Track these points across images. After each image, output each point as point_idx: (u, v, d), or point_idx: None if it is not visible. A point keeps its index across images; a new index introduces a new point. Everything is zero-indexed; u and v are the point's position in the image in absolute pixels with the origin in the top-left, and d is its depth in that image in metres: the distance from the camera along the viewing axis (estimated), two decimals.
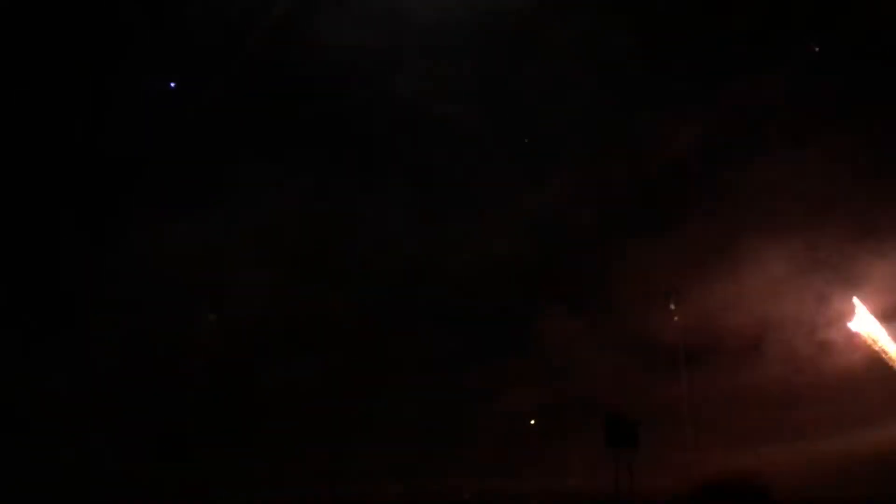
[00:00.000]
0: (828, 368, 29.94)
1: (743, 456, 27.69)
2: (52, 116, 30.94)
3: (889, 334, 29.79)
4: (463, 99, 33.28)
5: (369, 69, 33.01)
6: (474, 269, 33.56)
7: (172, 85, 32.19)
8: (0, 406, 27.34)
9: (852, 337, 30.16)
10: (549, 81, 33.61)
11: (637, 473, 25.11)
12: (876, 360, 29.77)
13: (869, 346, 29.84)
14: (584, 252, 33.82)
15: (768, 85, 31.59)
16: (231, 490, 27.64)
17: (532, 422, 32.11)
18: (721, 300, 31.26)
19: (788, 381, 30.02)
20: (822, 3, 31.33)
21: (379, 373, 32.22)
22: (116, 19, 31.07)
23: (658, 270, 32.52)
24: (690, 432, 28.84)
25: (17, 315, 29.35)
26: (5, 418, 27.36)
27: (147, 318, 30.86)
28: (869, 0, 30.28)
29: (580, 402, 30.07)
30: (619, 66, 32.72)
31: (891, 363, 29.58)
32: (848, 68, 30.97)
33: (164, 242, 31.07)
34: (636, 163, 34.03)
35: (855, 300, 30.26)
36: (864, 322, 30.01)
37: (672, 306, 30.57)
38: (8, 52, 29.95)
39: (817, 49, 31.68)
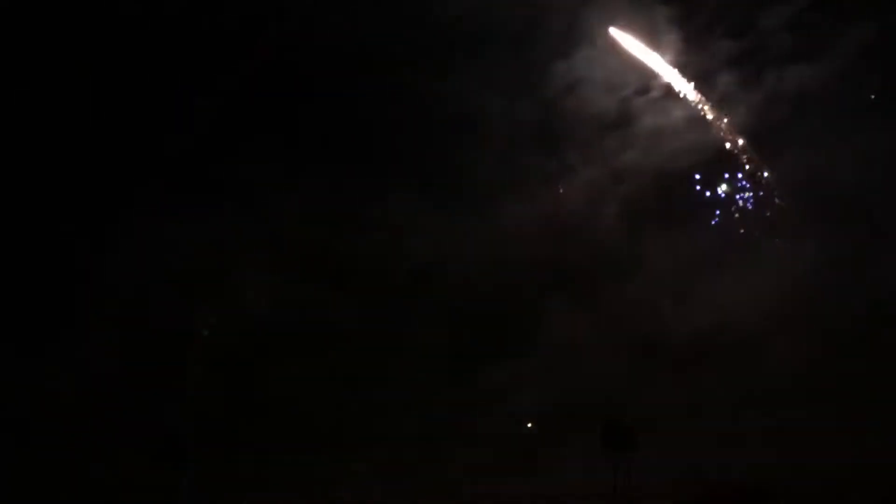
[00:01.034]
0: None
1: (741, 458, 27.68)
2: (56, 116, 30.94)
3: None
4: (481, 96, 33.18)
5: (381, 67, 32.92)
6: (483, 270, 33.43)
7: None
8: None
9: None
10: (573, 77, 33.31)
11: (635, 476, 25.18)
12: None
13: None
14: (598, 251, 33.64)
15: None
16: (229, 494, 27.75)
17: (529, 425, 32.12)
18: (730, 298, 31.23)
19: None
20: None
21: (379, 375, 32.18)
22: (129, 18, 31.05)
23: (672, 271, 32.27)
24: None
25: (17, 318, 29.41)
26: (5, 421, 27.49)
27: (147, 321, 30.90)
28: None
29: (579, 406, 30.07)
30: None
31: None
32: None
33: (166, 244, 31.06)
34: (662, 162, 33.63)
35: None
36: None
37: (671, 310, 30.65)
38: (13, 51, 29.92)
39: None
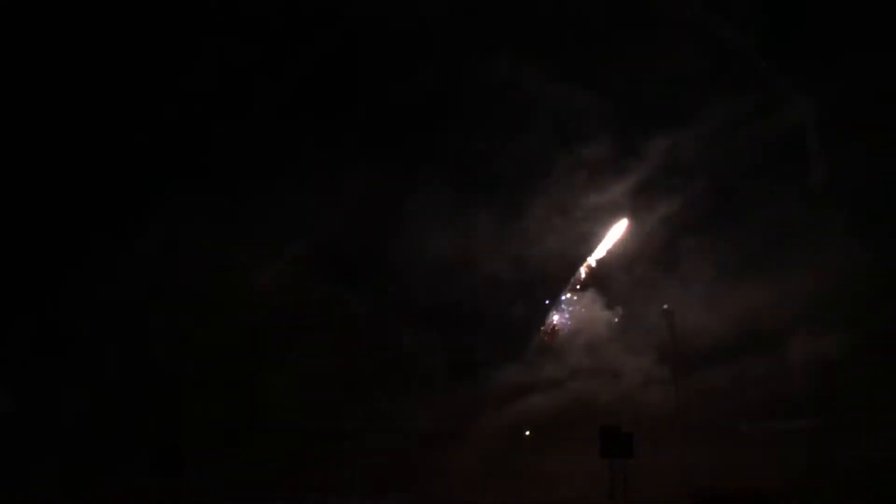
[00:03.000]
0: None
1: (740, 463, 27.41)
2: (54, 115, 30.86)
3: None
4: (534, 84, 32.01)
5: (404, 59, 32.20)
6: (508, 269, 32.52)
7: None
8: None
9: None
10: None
11: (633, 483, 24.94)
12: None
13: None
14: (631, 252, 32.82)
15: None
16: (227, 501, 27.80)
17: (527, 433, 31.97)
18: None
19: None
20: None
21: (382, 377, 31.94)
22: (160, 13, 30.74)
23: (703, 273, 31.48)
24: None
25: (18, 325, 29.54)
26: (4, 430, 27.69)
27: (148, 323, 30.91)
28: None
29: (583, 410, 29.83)
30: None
31: None
32: None
33: (172, 240, 30.93)
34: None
35: None
36: None
37: (666, 320, 30.35)
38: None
39: None
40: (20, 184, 30.18)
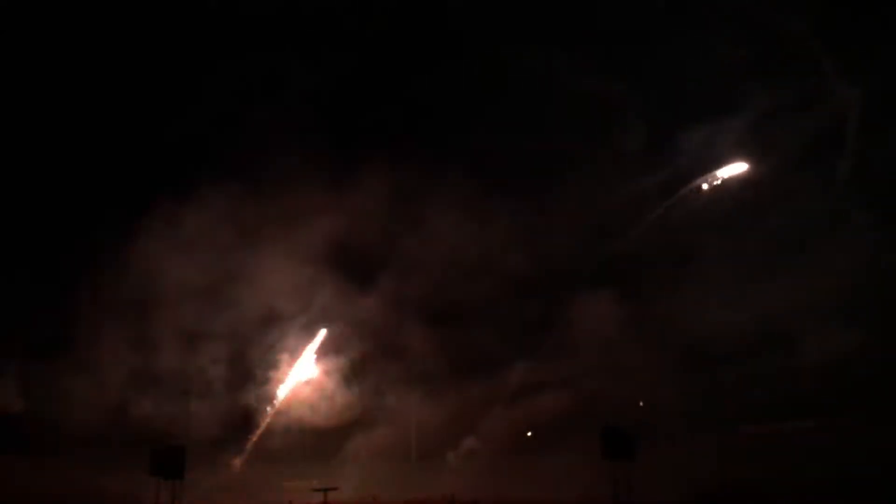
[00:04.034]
0: None
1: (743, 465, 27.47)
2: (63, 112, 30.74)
3: None
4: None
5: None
6: (517, 269, 32.07)
7: None
8: None
9: None
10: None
11: (636, 485, 24.93)
12: None
13: None
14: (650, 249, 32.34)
15: None
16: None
17: (529, 433, 32.00)
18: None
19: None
20: None
21: (388, 375, 31.88)
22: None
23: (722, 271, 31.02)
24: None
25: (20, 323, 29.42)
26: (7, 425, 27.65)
27: (153, 321, 30.82)
28: None
29: (579, 413, 29.80)
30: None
31: None
32: None
33: (177, 239, 30.77)
34: None
35: None
36: None
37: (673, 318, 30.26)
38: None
39: None
40: (23, 184, 30.09)
